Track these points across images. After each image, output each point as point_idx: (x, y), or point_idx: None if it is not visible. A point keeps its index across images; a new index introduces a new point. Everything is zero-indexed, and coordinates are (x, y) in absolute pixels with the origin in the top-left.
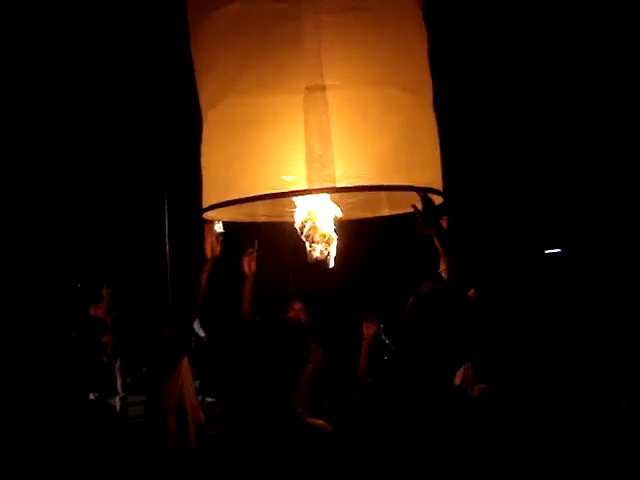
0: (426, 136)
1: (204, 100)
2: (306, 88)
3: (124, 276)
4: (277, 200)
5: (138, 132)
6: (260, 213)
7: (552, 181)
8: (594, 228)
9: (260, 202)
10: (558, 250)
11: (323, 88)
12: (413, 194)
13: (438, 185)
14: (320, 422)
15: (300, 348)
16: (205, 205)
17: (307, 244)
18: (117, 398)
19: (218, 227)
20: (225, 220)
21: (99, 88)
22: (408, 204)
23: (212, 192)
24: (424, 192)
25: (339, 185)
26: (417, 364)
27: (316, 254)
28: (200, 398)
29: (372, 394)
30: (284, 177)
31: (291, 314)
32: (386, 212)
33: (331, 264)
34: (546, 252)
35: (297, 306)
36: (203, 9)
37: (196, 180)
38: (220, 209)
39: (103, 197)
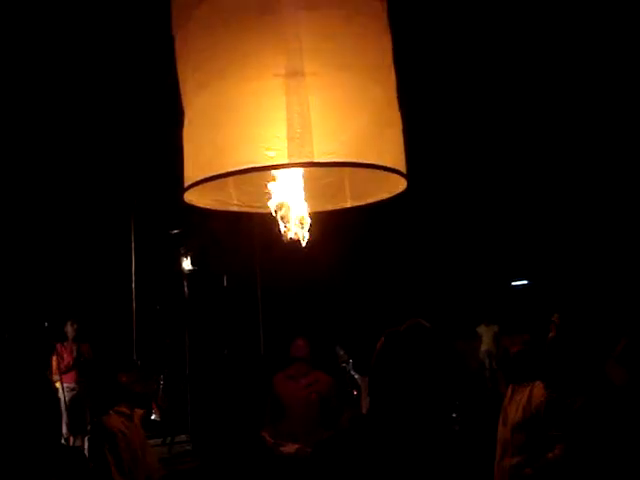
0: (391, 122)
1: (186, 88)
2: (287, 73)
3: (90, 311)
4: (252, 186)
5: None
6: (233, 201)
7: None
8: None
9: (233, 189)
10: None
11: (303, 74)
12: (374, 184)
13: (402, 168)
14: (292, 450)
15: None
16: (187, 183)
17: (282, 225)
18: (86, 438)
19: (187, 265)
20: (201, 206)
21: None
22: (369, 195)
23: (194, 171)
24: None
25: (316, 160)
26: (389, 407)
27: (290, 235)
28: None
29: (343, 433)
30: (266, 152)
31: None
32: (349, 203)
33: (303, 244)
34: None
35: (301, 343)
36: (187, 2)
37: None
38: (198, 193)
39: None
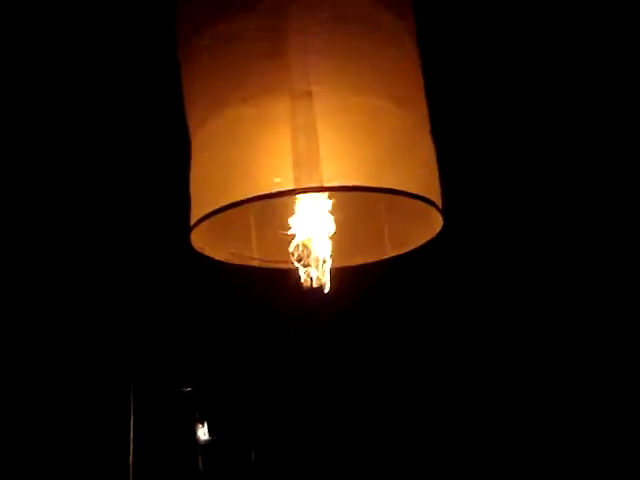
0: (418, 147)
1: (192, 120)
2: (292, 95)
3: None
4: (273, 237)
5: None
6: (254, 255)
7: None
8: None
9: (255, 239)
10: None
11: (309, 94)
12: (414, 226)
13: (435, 199)
14: None
15: None
16: (193, 221)
17: (301, 270)
18: None
19: (202, 434)
20: (215, 258)
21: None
22: (409, 241)
23: (199, 208)
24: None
25: (326, 185)
26: None
27: (311, 280)
28: None
29: None
30: (272, 179)
31: None
32: (389, 252)
33: (326, 289)
34: None
35: None
36: (191, 29)
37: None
38: (210, 245)
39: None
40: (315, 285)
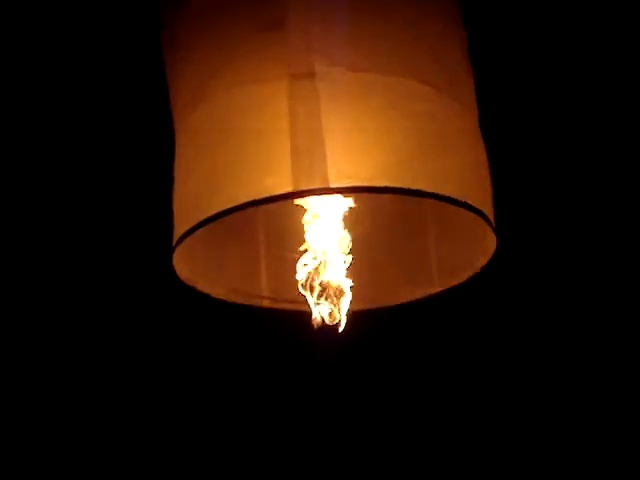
0: (465, 145)
1: (175, 110)
2: (290, 75)
3: None
4: (285, 272)
5: None
6: (263, 293)
7: None
8: None
9: (264, 275)
10: None
11: (312, 75)
12: (463, 250)
13: (485, 207)
14: None
15: None
16: (175, 240)
17: (311, 303)
18: None
19: None
20: (214, 296)
21: None
22: (460, 269)
23: (183, 218)
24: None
25: (333, 186)
26: None
27: (322, 316)
28: None
29: None
30: (265, 180)
31: None
32: (437, 288)
33: (341, 328)
34: None
35: None
36: (176, 6)
37: None
38: (210, 279)
39: None
40: (328, 322)
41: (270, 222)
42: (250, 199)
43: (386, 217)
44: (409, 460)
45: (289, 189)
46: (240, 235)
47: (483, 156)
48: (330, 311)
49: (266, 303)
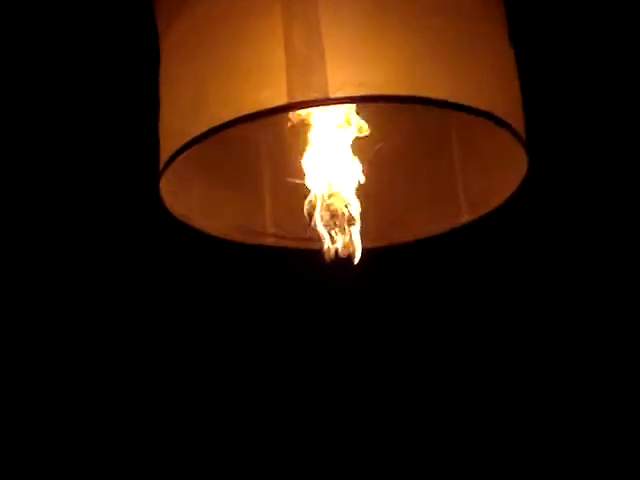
0: (490, 50)
1: (162, 15)
2: None
3: None
4: (292, 207)
5: None
6: (268, 229)
7: None
8: None
9: (269, 210)
10: None
11: None
12: (492, 175)
13: (513, 119)
14: None
15: None
16: (161, 165)
17: (323, 236)
18: None
19: None
20: (214, 234)
21: None
22: (489, 199)
23: (170, 138)
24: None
25: (334, 96)
26: None
27: (336, 248)
28: None
29: None
30: (258, 92)
31: None
32: (465, 218)
33: (356, 259)
34: None
35: None
36: None
37: None
38: (204, 217)
39: None
40: (341, 255)
41: (275, 148)
42: (238, 114)
43: (403, 137)
44: (422, 409)
45: (284, 101)
46: (240, 164)
47: (512, 65)
48: (344, 242)
49: (270, 241)
